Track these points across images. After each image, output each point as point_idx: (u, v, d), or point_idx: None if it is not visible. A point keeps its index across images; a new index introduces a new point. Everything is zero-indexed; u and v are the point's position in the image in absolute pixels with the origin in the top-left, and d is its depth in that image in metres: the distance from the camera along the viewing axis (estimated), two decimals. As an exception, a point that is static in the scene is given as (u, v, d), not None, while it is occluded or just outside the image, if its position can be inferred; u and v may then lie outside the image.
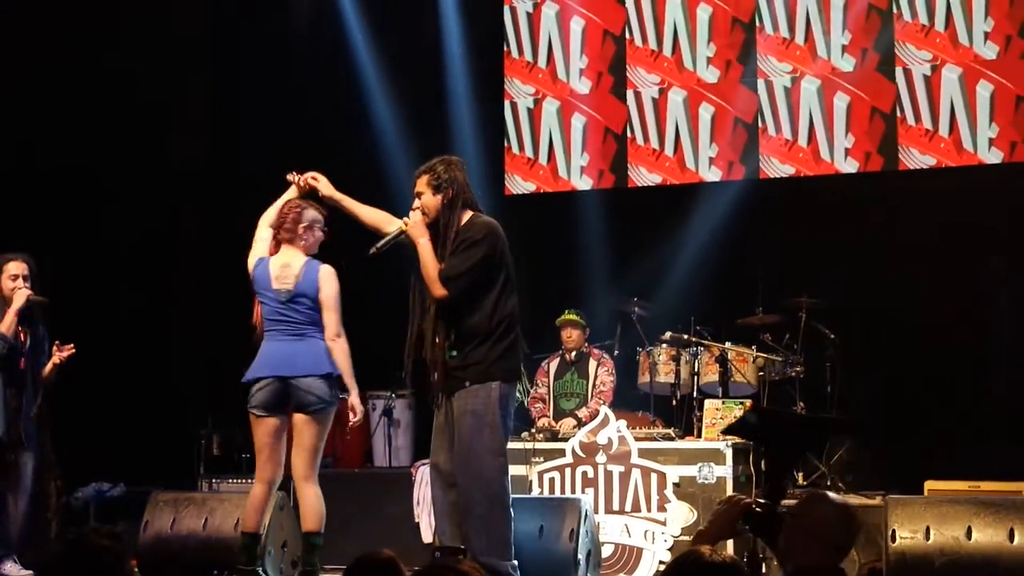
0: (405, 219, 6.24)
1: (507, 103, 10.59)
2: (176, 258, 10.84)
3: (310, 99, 10.74)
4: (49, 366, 7.36)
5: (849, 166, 9.66)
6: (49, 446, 7.53)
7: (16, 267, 7.29)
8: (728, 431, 7.75)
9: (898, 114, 9.50)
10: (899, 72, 9.50)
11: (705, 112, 10.03)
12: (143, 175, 10.52)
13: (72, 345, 7.37)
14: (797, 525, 3.43)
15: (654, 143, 10.17)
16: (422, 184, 6.22)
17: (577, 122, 10.41)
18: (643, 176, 10.20)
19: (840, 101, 9.67)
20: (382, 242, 6.28)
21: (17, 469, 7.21)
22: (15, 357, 7.20)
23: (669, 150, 10.13)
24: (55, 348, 7.36)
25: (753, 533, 3.51)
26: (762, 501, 3.50)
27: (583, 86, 10.43)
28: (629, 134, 10.24)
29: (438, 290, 6.07)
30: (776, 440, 3.74)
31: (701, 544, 3.50)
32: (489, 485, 6.06)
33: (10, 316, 7.14)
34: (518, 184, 10.54)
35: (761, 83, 9.88)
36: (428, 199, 6.20)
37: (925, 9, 9.49)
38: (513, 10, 10.64)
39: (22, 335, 7.24)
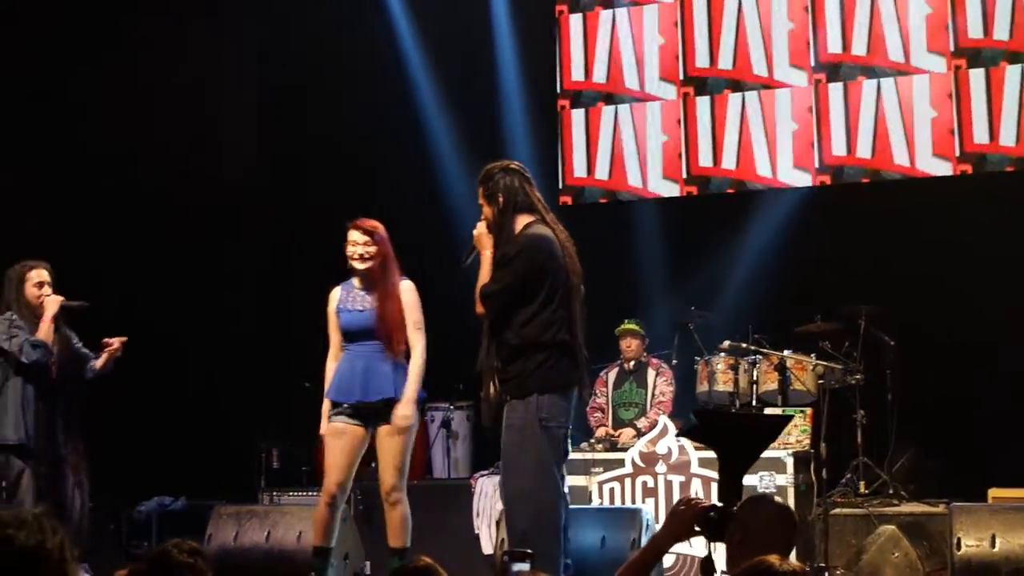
0: (474, 231, 6.24)
1: (562, 115, 10.56)
2: (240, 271, 10.92)
3: (367, 119, 10.78)
4: (104, 358, 7.25)
5: (918, 169, 9.55)
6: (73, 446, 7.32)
7: (39, 274, 7.18)
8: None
9: (966, 117, 9.40)
10: (968, 74, 9.40)
11: (767, 117, 9.95)
12: (200, 188, 10.61)
13: (124, 338, 7.25)
14: (738, 527, 3.43)
15: (711, 150, 10.12)
16: (480, 196, 6.23)
17: (637, 129, 10.34)
18: (701, 183, 10.16)
19: (911, 105, 9.54)
20: (467, 256, 6.27)
21: (58, 479, 7.11)
22: (47, 366, 7.08)
23: (729, 157, 10.07)
24: (103, 343, 7.25)
25: (707, 537, 3.51)
26: (718, 505, 3.50)
27: (641, 90, 10.33)
28: (689, 140, 10.19)
29: (477, 307, 6.09)
30: (723, 442, 3.70)
31: (658, 544, 3.52)
32: (531, 499, 5.91)
33: (47, 324, 7.04)
34: (575, 196, 10.53)
35: (823, 87, 9.81)
36: (486, 210, 6.20)
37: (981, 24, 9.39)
38: (564, 18, 10.56)
39: (51, 343, 7.10)
